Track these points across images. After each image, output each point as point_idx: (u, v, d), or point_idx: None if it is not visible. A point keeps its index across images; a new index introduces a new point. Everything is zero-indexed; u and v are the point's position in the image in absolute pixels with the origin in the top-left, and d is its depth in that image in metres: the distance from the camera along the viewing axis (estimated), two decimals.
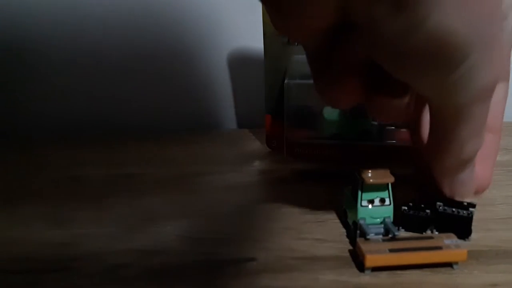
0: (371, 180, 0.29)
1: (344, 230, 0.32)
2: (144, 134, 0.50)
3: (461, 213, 0.30)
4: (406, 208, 0.31)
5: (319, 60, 0.25)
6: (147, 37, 0.51)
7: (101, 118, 0.53)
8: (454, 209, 0.30)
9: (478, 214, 0.32)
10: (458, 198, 0.26)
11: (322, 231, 0.32)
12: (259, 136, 0.48)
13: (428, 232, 0.31)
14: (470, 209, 0.30)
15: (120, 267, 0.28)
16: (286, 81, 0.39)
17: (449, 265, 0.28)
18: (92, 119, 0.53)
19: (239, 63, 0.53)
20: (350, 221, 0.31)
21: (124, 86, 0.53)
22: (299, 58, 0.41)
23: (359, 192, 0.30)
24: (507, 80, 0.25)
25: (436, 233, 0.30)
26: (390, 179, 0.30)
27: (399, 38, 0.19)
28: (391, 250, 0.27)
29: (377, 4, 0.18)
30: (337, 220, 0.33)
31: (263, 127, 0.45)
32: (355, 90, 0.25)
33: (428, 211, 0.31)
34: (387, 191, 0.30)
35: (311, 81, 0.40)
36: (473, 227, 0.30)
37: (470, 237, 0.30)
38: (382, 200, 0.30)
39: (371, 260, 0.27)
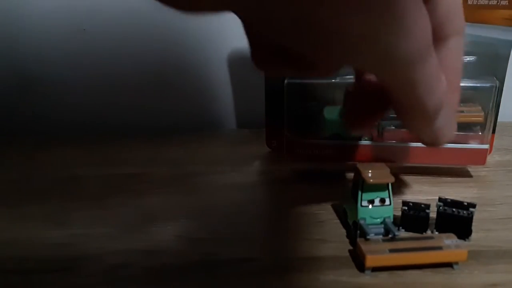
0: (371, 180, 0.29)
1: (344, 231, 0.32)
2: (144, 135, 0.50)
3: (461, 213, 0.30)
4: (406, 208, 0.31)
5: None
6: (147, 37, 0.51)
7: (101, 119, 0.53)
8: (454, 209, 0.30)
9: (478, 214, 0.32)
10: (440, 144, 0.26)
11: (322, 231, 0.32)
12: (259, 136, 0.48)
13: (428, 232, 0.31)
14: (470, 209, 0.30)
15: (120, 267, 0.28)
16: (286, 81, 0.39)
17: (449, 265, 0.28)
18: (92, 120, 0.53)
19: (239, 63, 0.53)
20: (350, 221, 0.31)
21: (125, 87, 0.53)
22: None
23: (359, 192, 0.30)
24: (459, 34, 0.25)
25: (436, 233, 0.30)
26: (390, 179, 0.30)
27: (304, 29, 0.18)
28: (391, 250, 0.27)
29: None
30: (337, 220, 0.33)
31: (263, 127, 0.45)
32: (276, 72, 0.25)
33: (428, 211, 0.31)
34: (387, 191, 0.30)
35: (311, 81, 0.41)
36: (473, 227, 0.30)
37: (470, 237, 0.30)
38: (382, 200, 0.30)
39: (371, 260, 0.27)
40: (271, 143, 0.46)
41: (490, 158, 0.41)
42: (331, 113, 0.39)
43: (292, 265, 0.28)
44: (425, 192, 0.37)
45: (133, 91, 0.54)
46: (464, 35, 0.25)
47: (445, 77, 0.23)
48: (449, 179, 0.39)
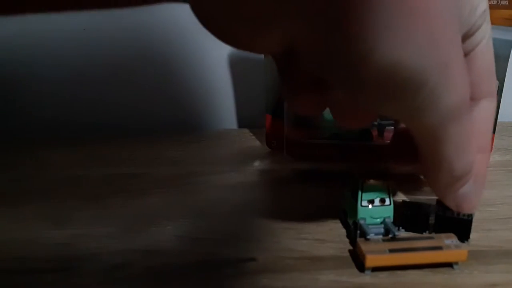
0: (371, 180, 0.29)
1: (344, 231, 0.32)
2: (144, 135, 0.50)
3: (461, 216, 0.30)
4: (406, 208, 0.31)
5: (279, 71, 0.25)
6: (146, 37, 0.51)
7: (101, 119, 0.53)
8: (454, 212, 0.30)
9: (478, 214, 0.32)
10: (464, 211, 0.26)
11: (322, 231, 0.32)
12: (259, 136, 0.48)
13: (428, 233, 0.31)
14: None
15: (119, 267, 0.28)
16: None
17: (449, 265, 0.28)
18: (92, 121, 0.53)
19: (240, 62, 0.53)
20: (350, 221, 0.31)
21: (124, 87, 0.53)
22: None
23: (359, 192, 0.30)
24: (492, 96, 0.25)
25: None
26: (391, 179, 0.30)
27: (349, 71, 0.19)
28: (391, 250, 0.27)
29: (319, 40, 0.18)
30: (337, 221, 0.33)
31: (263, 127, 0.45)
32: (309, 103, 0.26)
33: (428, 210, 0.31)
34: (387, 191, 0.30)
35: None
36: (473, 227, 0.30)
37: (469, 240, 0.30)
38: (382, 200, 0.30)
39: (371, 260, 0.27)
40: (271, 143, 0.46)
41: (490, 158, 0.41)
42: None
43: (292, 265, 0.28)
44: (425, 192, 0.37)
45: (133, 92, 0.54)
46: (495, 96, 0.25)
47: (475, 139, 0.22)
48: None
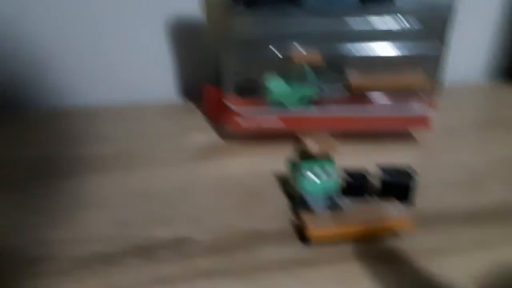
0: (315, 151, 0.28)
1: (289, 203, 0.31)
2: (69, 109, 0.46)
3: (404, 181, 0.29)
4: (348, 177, 0.30)
5: None
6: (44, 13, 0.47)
7: (16, 98, 0.49)
8: (397, 177, 0.29)
9: (421, 179, 0.32)
10: None
11: (265, 205, 0.31)
12: (203, 108, 0.46)
13: (372, 199, 0.30)
14: (412, 176, 0.29)
15: (44, 258, 0.26)
16: (225, 49, 0.36)
17: (393, 232, 0.27)
18: (7, 99, 0.49)
19: (179, 30, 0.50)
20: (295, 193, 0.30)
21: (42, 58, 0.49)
22: (243, 25, 0.39)
23: (303, 164, 0.29)
24: None
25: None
26: (333, 149, 0.28)
27: None
28: (336, 223, 0.26)
29: None
30: (282, 193, 0.32)
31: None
32: None
33: (369, 178, 0.30)
34: (331, 162, 0.29)
35: (254, 49, 0.39)
36: (416, 193, 0.30)
37: (412, 204, 0.30)
38: (326, 171, 0.29)
39: (315, 233, 0.26)
40: (213, 115, 0.43)
41: (434, 121, 0.41)
42: (274, 82, 0.37)
43: (233, 243, 0.27)
44: (370, 159, 0.36)
45: (54, 63, 0.49)
46: None
47: None
48: (394, 145, 0.38)
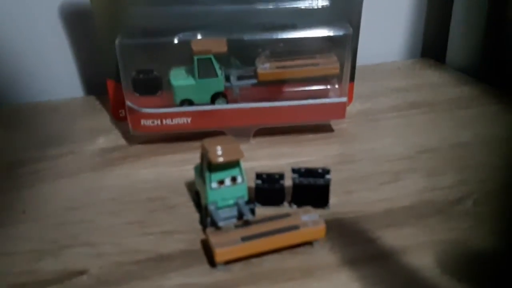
0: (219, 160, 0.25)
1: (197, 215, 0.28)
2: None
3: (318, 182, 0.27)
4: (260, 181, 0.28)
5: None
6: None
7: None
8: (310, 179, 0.27)
9: (338, 175, 0.30)
10: None
11: (172, 220, 0.28)
12: (108, 104, 0.41)
13: (286, 205, 0.28)
14: (326, 176, 0.27)
15: None
16: (117, 40, 0.32)
17: (309, 243, 0.25)
18: None
19: (72, 17, 0.44)
20: (202, 204, 0.27)
21: None
22: (136, 11, 0.35)
23: (207, 173, 0.26)
24: None
25: (294, 206, 0.28)
26: (240, 155, 0.26)
27: None
28: (244, 239, 0.24)
29: None
30: (190, 203, 0.29)
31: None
32: None
33: (282, 182, 0.28)
34: (238, 168, 0.26)
35: (150, 39, 0.35)
36: (333, 190, 0.28)
37: (329, 205, 0.28)
38: (234, 179, 0.26)
39: (221, 254, 0.23)
40: (117, 112, 0.39)
41: (351, 108, 0.40)
42: (178, 77, 0.34)
43: (132, 271, 0.24)
44: (286, 154, 0.34)
45: None
46: None
47: None
48: (310, 136, 0.37)
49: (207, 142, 0.26)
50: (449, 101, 0.42)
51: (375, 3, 0.39)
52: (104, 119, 0.40)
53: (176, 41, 0.33)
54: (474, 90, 0.44)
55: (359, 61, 0.39)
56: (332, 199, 0.28)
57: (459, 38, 0.48)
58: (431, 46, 0.54)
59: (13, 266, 0.24)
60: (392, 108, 0.41)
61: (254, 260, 0.24)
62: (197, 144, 0.35)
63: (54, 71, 0.45)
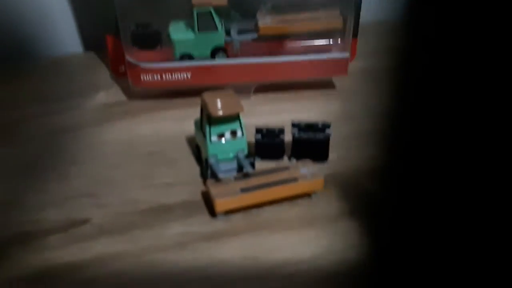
0: (219, 113, 0.25)
1: (198, 168, 0.28)
2: None
3: (317, 137, 0.27)
4: (260, 136, 0.28)
5: None
6: None
7: None
8: (310, 133, 0.27)
9: (339, 130, 0.30)
10: None
11: (173, 173, 0.28)
12: (107, 60, 0.41)
13: (285, 159, 0.28)
14: (326, 130, 0.27)
15: None
16: None
17: (308, 195, 0.26)
18: None
19: None
20: (203, 158, 0.28)
21: None
22: None
23: (207, 127, 0.26)
24: None
25: (294, 160, 0.28)
26: (239, 109, 0.26)
27: None
28: (244, 190, 0.24)
29: None
30: (191, 157, 0.29)
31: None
32: None
33: (282, 136, 0.28)
34: (238, 122, 0.26)
35: None
36: (332, 146, 0.28)
37: (327, 160, 0.28)
38: (234, 133, 0.26)
39: (221, 204, 0.24)
40: (117, 68, 0.39)
41: (353, 65, 0.39)
42: (178, 31, 0.33)
43: (134, 221, 0.24)
44: (286, 110, 0.34)
45: None
46: None
47: None
48: (311, 92, 0.36)
49: (207, 95, 0.26)
50: None
51: None
52: (104, 75, 0.40)
53: None
54: None
55: (363, 18, 0.38)
56: (332, 155, 0.29)
57: None
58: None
59: (17, 216, 0.25)
60: (393, 66, 0.40)
61: (253, 211, 0.25)
62: (197, 99, 0.34)
63: (54, 27, 0.45)
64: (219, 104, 0.25)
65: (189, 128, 0.31)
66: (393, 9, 0.52)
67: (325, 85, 0.37)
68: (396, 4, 0.53)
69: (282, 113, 0.34)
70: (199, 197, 0.26)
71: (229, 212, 0.24)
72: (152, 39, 0.34)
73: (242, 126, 0.26)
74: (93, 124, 0.33)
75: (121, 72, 0.39)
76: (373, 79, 0.39)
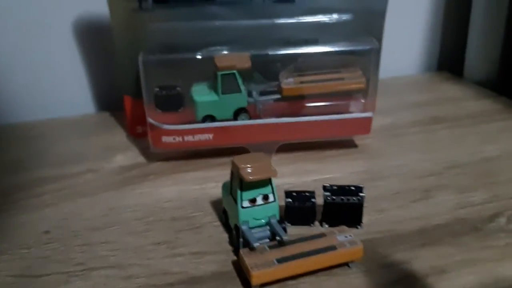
0: (250, 177, 0.24)
1: (225, 235, 0.27)
2: None
3: (350, 201, 0.26)
4: (290, 200, 0.27)
5: None
6: None
7: None
8: (343, 197, 0.26)
9: (367, 192, 0.29)
10: None
11: (200, 241, 0.27)
12: (123, 121, 0.40)
13: (317, 225, 0.27)
14: (360, 194, 0.26)
15: None
16: (140, 57, 0.32)
17: (345, 263, 0.24)
18: None
19: (87, 33, 0.44)
20: (231, 224, 0.27)
21: None
22: (157, 27, 0.34)
23: (239, 192, 0.25)
24: None
25: (326, 226, 0.27)
26: (272, 173, 0.25)
27: None
28: (280, 260, 0.23)
29: None
30: (217, 223, 0.28)
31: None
32: None
33: (313, 200, 0.27)
34: (269, 186, 0.25)
35: (174, 56, 0.34)
36: (364, 209, 0.27)
37: (362, 224, 0.27)
38: (265, 197, 0.25)
39: (259, 277, 0.22)
40: (134, 129, 0.38)
41: (373, 123, 0.39)
42: (201, 92, 0.33)
43: None
44: (310, 171, 0.33)
45: None
46: None
47: None
48: (333, 152, 0.36)
49: (238, 159, 0.25)
50: (471, 115, 0.41)
51: (390, 16, 0.38)
52: (119, 136, 0.40)
53: (200, 56, 0.32)
54: (496, 103, 0.43)
55: (381, 75, 0.38)
56: (364, 218, 0.28)
57: (478, 51, 0.47)
58: (447, 59, 0.54)
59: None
60: (415, 122, 0.40)
61: (290, 282, 0.23)
62: (218, 160, 0.34)
63: (67, 87, 0.45)
64: (251, 168, 0.25)
65: (212, 191, 0.31)
66: (404, 66, 0.53)
67: (346, 144, 0.37)
68: (408, 61, 0.53)
69: (306, 173, 0.33)
70: (230, 267, 0.25)
71: (264, 284, 0.23)
72: (175, 101, 0.33)
73: (274, 190, 0.25)
74: (112, 188, 0.32)
75: (138, 133, 0.38)
76: (393, 136, 0.38)
